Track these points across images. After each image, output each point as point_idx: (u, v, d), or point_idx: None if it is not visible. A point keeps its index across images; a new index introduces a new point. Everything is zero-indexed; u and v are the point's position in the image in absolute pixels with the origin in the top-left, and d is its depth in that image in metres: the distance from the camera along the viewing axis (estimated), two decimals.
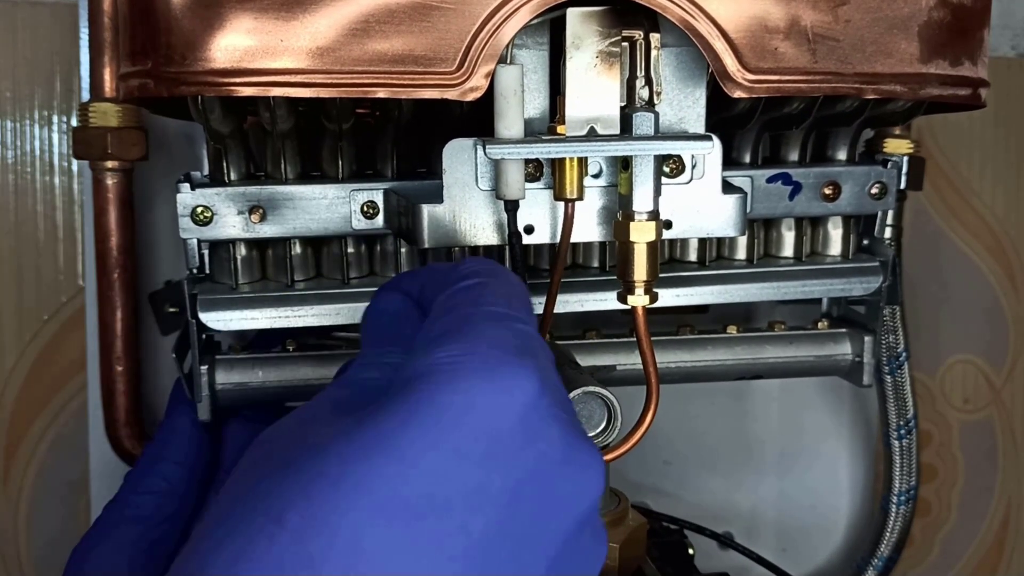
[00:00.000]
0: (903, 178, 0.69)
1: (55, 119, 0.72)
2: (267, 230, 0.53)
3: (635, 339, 0.47)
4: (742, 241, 0.58)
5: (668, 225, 0.49)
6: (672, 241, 0.58)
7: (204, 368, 0.54)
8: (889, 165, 0.57)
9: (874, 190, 0.57)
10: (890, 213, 0.71)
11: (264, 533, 0.30)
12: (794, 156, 0.58)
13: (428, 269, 0.43)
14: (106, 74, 0.63)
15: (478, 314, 0.38)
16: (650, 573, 0.53)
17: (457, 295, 0.39)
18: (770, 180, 0.56)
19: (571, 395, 0.47)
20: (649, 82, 0.46)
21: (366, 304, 0.54)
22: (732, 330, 0.61)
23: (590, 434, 0.48)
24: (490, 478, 0.33)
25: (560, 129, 0.46)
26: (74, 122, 0.71)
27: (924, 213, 0.85)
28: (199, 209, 0.52)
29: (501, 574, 0.32)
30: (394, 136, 0.54)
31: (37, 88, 0.71)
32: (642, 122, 0.46)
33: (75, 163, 0.71)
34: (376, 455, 0.32)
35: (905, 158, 0.69)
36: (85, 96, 0.65)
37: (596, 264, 0.57)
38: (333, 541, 0.30)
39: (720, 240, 0.59)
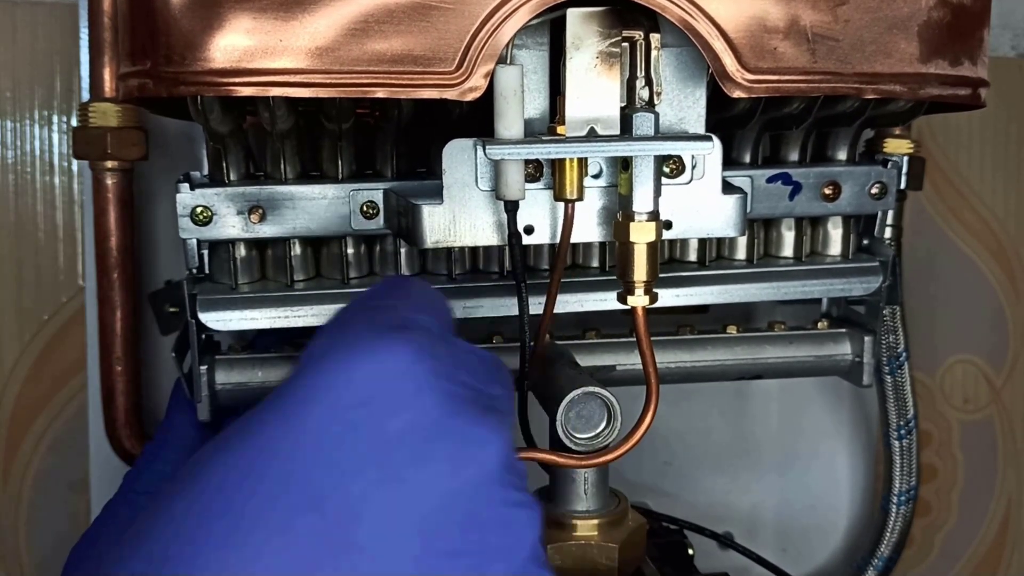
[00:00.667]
0: (903, 178, 0.69)
1: (55, 119, 0.72)
2: (267, 230, 0.52)
3: (635, 339, 0.47)
4: (742, 241, 0.58)
5: (668, 225, 0.49)
6: (672, 241, 0.58)
7: (204, 368, 0.54)
8: (889, 165, 0.57)
9: (874, 190, 0.57)
10: (890, 213, 0.71)
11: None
12: (794, 156, 0.58)
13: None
14: (106, 74, 0.63)
15: (360, 308, 0.39)
16: (650, 573, 0.53)
17: (353, 302, 0.41)
18: (770, 180, 0.56)
19: (571, 395, 0.47)
20: (649, 82, 0.46)
21: None
22: (732, 330, 0.61)
23: (589, 434, 0.48)
24: (352, 450, 0.33)
25: (560, 129, 0.46)
26: (74, 122, 0.71)
27: (924, 213, 0.85)
28: (198, 209, 0.52)
29: (366, 546, 0.32)
30: (394, 136, 0.54)
31: (37, 88, 0.71)
32: (642, 122, 0.46)
33: (75, 163, 0.71)
34: (238, 447, 0.33)
35: (905, 158, 0.69)
36: (85, 96, 0.65)
37: (596, 264, 0.57)
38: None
39: (720, 240, 0.59)
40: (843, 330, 0.62)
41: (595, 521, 0.50)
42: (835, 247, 0.60)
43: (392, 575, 0.32)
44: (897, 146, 0.69)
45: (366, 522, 0.32)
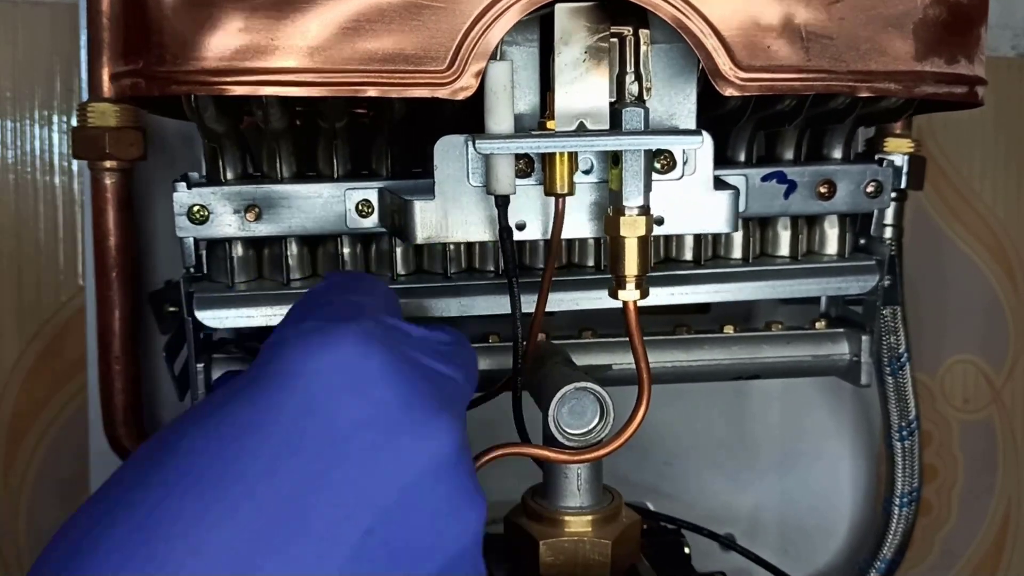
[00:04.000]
0: (904, 178, 0.69)
1: (55, 119, 0.72)
2: (263, 229, 0.53)
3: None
4: (738, 240, 0.58)
5: (660, 221, 0.49)
6: (668, 240, 0.58)
7: (200, 366, 0.55)
8: (884, 163, 0.57)
9: (869, 188, 0.57)
10: (891, 213, 0.71)
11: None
12: (789, 154, 0.58)
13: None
14: (105, 74, 0.63)
15: (314, 300, 0.41)
16: (644, 571, 0.53)
17: (306, 296, 0.43)
18: (765, 178, 0.55)
19: (563, 390, 0.47)
20: (639, 77, 0.46)
21: None
22: (729, 330, 0.61)
23: (581, 429, 0.48)
24: (309, 436, 0.34)
25: (550, 124, 0.46)
26: (74, 122, 0.71)
27: (924, 213, 0.85)
28: (195, 208, 0.52)
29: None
30: (389, 135, 0.54)
31: (37, 88, 0.72)
32: (632, 117, 0.46)
33: (75, 163, 0.72)
34: (204, 430, 0.35)
35: (905, 157, 0.69)
36: (85, 96, 0.65)
37: (591, 263, 0.57)
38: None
39: (716, 239, 0.59)
40: (840, 330, 0.62)
41: (588, 517, 0.50)
42: (831, 246, 0.60)
43: (328, 561, 0.33)
44: (898, 145, 0.69)
45: (316, 504, 0.33)
